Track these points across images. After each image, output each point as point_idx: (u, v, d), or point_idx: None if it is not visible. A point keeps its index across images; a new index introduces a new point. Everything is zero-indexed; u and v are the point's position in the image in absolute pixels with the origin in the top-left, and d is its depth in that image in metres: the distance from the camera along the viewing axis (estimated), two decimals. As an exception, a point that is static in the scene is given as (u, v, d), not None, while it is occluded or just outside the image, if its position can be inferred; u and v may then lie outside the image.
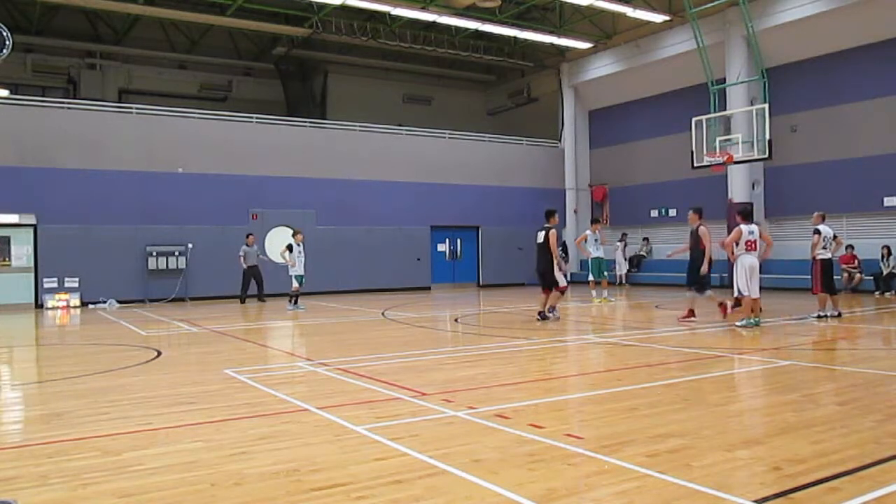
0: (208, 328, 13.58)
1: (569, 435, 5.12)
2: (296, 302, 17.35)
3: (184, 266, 20.94)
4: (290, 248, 17.57)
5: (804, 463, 4.38)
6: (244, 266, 19.80)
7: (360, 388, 7.17)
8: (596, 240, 18.12)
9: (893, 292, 18.45)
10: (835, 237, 13.45)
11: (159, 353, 9.99)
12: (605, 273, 18.55)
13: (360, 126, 24.98)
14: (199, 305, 19.67)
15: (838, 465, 4.32)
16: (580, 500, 3.82)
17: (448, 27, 24.87)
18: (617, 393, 6.80)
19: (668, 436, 5.08)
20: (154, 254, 20.57)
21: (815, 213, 13.36)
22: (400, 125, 26.31)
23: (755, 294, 12.03)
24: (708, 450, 4.76)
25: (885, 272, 18.75)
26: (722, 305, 13.12)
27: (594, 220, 19.53)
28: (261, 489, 4.10)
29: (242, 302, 19.80)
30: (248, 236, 20.33)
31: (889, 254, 18.78)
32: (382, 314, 16.07)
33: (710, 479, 4.11)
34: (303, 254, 17.53)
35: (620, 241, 25.47)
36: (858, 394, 6.62)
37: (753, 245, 12.08)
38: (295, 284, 17.42)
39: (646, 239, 26.57)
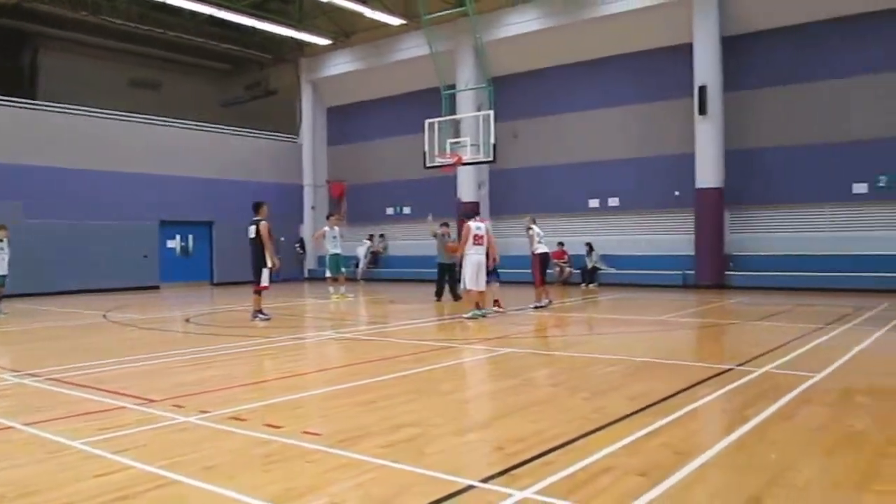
0: None
1: (306, 432, 5.11)
2: (-3, 305, 15.35)
3: None
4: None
5: (524, 441, 4.79)
6: None
7: (77, 398, 6.54)
8: (334, 236, 18.18)
9: (596, 284, 20.85)
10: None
11: None
12: (343, 269, 18.75)
13: (77, 109, 22.66)
14: None
15: (552, 440, 4.78)
16: (319, 497, 3.83)
17: (181, 10, 23.46)
18: (354, 387, 6.93)
19: (403, 426, 5.28)
20: None
21: (528, 217, 15.16)
22: (126, 111, 24.28)
23: (482, 287, 12.92)
24: (440, 436, 5.04)
25: (589, 266, 21.14)
26: (495, 302, 13.95)
27: (329, 216, 19.57)
28: (-47, 522, 3.58)
29: None
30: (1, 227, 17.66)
31: (591, 250, 21.23)
32: (104, 316, 14.80)
33: (442, 463, 4.35)
34: (6, 251, 15.54)
35: (369, 238, 26.26)
36: (568, 376, 7.42)
37: (480, 240, 12.95)
38: (-5, 285, 15.41)
39: (382, 235, 27.30)
